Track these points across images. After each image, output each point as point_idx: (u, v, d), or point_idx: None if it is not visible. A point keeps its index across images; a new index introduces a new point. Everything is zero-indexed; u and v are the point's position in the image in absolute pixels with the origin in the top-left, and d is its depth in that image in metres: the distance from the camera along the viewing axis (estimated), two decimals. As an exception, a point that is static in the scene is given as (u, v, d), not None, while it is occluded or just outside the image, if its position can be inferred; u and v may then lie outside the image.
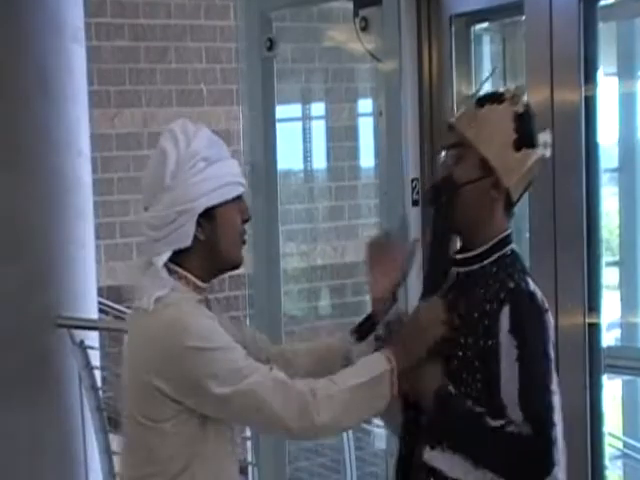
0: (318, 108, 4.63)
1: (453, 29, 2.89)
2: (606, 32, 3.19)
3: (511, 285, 1.70)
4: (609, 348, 2.87)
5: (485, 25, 3.20)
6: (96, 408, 3.74)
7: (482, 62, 3.43)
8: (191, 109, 6.93)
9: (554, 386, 1.69)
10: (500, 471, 1.68)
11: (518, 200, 1.77)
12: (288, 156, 4.49)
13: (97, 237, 5.19)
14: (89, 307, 3.95)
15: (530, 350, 1.68)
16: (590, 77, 2.59)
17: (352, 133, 4.52)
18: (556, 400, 1.68)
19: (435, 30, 2.91)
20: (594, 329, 2.55)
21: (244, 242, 1.78)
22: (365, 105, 4.53)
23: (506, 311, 1.68)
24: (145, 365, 1.71)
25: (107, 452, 3.73)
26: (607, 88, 3.28)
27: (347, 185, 5.02)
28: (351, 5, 3.07)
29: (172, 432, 1.69)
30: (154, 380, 1.68)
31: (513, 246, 1.78)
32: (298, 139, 4.68)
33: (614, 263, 4.36)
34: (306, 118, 4.78)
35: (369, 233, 3.44)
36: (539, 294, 1.72)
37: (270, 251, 3.36)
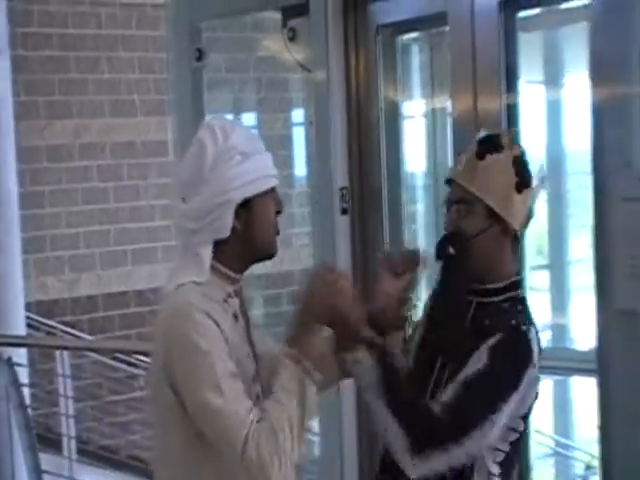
0: (251, 118, 4.64)
1: (380, 39, 2.94)
2: (532, 41, 3.29)
3: (512, 322, 1.75)
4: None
5: (414, 35, 3.27)
6: (24, 426, 3.66)
7: (410, 71, 3.50)
8: (124, 120, 6.87)
9: (497, 419, 1.69)
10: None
11: (522, 237, 1.84)
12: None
13: (26, 251, 5.09)
14: (17, 323, 3.86)
15: (493, 377, 1.70)
16: (512, 85, 2.67)
17: (286, 142, 4.55)
18: (488, 428, 1.69)
19: (362, 40, 2.95)
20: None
21: (278, 232, 1.82)
22: (299, 115, 4.56)
23: (498, 336, 1.72)
24: (155, 348, 1.75)
25: (36, 471, 3.65)
26: (533, 95, 3.37)
27: (281, 194, 5.03)
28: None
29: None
30: (162, 367, 1.72)
31: (523, 293, 1.83)
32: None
33: (544, 266, 4.48)
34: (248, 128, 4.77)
35: (302, 242, 3.47)
36: (534, 345, 1.74)
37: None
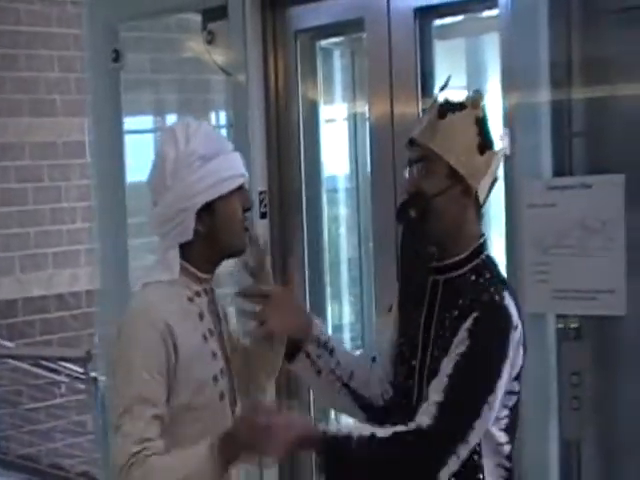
0: (173, 120, 4.59)
1: (298, 44, 2.95)
2: (456, 48, 3.35)
3: (485, 298, 1.69)
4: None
5: (335, 40, 3.29)
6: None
7: (332, 76, 3.52)
8: (44, 119, 6.70)
9: (492, 399, 1.65)
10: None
11: (485, 202, 1.77)
12: (144, 168, 4.39)
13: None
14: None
15: (479, 356, 1.66)
16: (427, 91, 2.71)
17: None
18: (486, 412, 1.64)
19: (281, 44, 2.95)
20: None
21: (246, 229, 1.86)
22: (220, 117, 4.54)
23: (473, 315, 1.67)
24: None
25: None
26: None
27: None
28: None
29: None
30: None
31: (488, 252, 1.78)
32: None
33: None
34: (161, 130, 4.72)
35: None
36: (512, 309, 1.69)
37: (118, 266, 3.29)
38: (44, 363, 5.76)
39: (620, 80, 2.32)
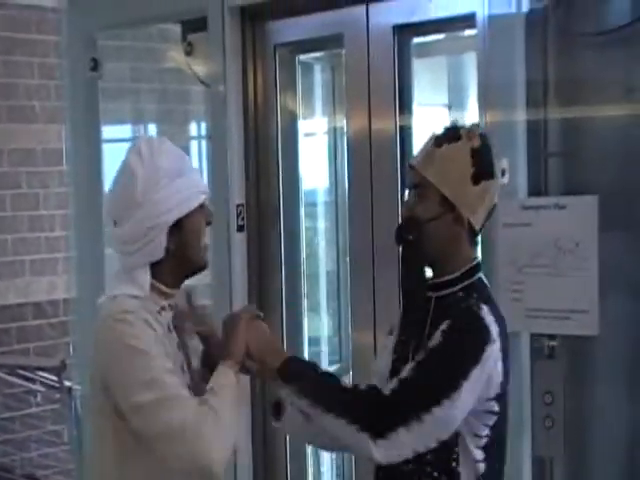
0: (151, 130, 4.58)
1: (277, 57, 2.95)
2: (438, 66, 3.37)
3: (462, 305, 1.76)
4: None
5: (316, 55, 3.30)
6: None
7: (311, 90, 3.53)
8: (23, 126, 6.65)
9: (456, 397, 1.68)
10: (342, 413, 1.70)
11: (482, 228, 1.83)
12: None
13: None
14: None
15: (448, 353, 1.71)
16: (405, 107, 2.72)
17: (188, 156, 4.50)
18: (446, 405, 1.68)
19: (260, 58, 2.96)
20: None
21: (207, 245, 1.89)
22: (200, 128, 4.53)
23: (449, 321, 1.73)
24: (93, 356, 1.80)
25: None
26: (441, 118, 3.45)
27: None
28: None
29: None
30: (96, 373, 1.78)
31: (481, 275, 1.83)
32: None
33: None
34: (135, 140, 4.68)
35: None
36: (489, 321, 1.73)
37: (94, 275, 3.27)
38: (20, 372, 5.70)
39: (596, 101, 2.33)
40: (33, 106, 6.68)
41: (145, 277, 1.80)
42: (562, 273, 2.28)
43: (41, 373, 5.36)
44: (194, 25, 3.01)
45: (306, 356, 3.15)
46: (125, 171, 1.81)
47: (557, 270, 2.29)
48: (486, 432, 1.76)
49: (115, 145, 3.50)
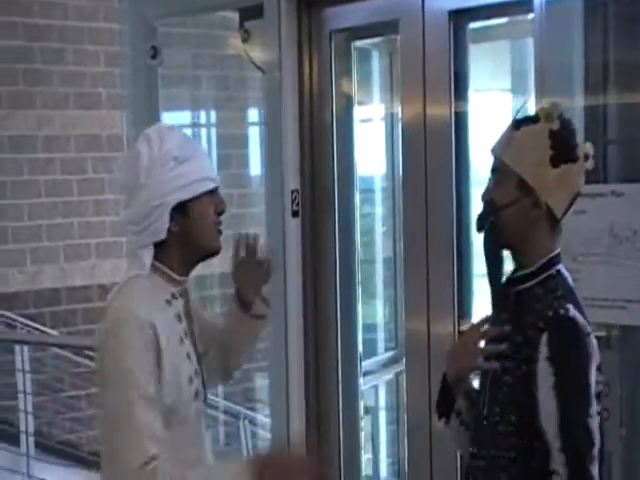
0: (212, 115, 4.63)
1: (333, 44, 2.95)
2: (501, 50, 3.32)
3: (550, 314, 1.69)
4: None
5: (374, 40, 3.29)
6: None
7: (370, 76, 3.52)
8: (89, 112, 6.81)
9: (592, 410, 1.66)
10: None
11: (564, 215, 1.75)
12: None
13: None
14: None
15: (568, 379, 1.66)
16: (461, 94, 2.69)
17: (242, 142, 4.54)
18: (594, 424, 1.66)
19: (316, 44, 2.96)
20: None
21: (220, 232, 1.89)
22: (256, 114, 4.57)
23: (544, 339, 1.67)
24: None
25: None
26: (502, 104, 3.40)
27: (237, 193, 5.04)
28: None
29: None
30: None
31: (560, 267, 1.77)
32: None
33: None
34: (204, 125, 4.76)
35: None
36: (579, 318, 1.69)
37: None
38: (86, 352, 5.86)
39: (656, 86, 2.27)
40: (99, 93, 6.85)
41: (148, 256, 1.82)
42: (618, 262, 2.24)
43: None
44: (251, 12, 3.03)
45: (360, 343, 3.16)
46: (133, 154, 1.85)
47: (613, 259, 2.24)
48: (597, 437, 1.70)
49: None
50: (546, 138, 1.71)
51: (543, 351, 1.67)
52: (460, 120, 2.70)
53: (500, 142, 1.77)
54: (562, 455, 1.65)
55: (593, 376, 1.68)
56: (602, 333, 2.33)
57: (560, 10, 2.32)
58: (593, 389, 1.67)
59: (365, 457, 3.40)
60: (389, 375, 3.69)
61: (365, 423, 3.40)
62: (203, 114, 4.48)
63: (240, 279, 2.02)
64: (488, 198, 1.77)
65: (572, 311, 1.69)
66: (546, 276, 1.75)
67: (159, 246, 1.84)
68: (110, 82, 6.80)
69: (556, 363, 1.66)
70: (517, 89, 3.65)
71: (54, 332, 6.56)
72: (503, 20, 2.80)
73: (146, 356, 1.75)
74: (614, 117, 2.33)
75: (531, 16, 2.42)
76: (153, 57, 3.12)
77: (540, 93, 2.39)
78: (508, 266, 1.83)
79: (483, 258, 1.82)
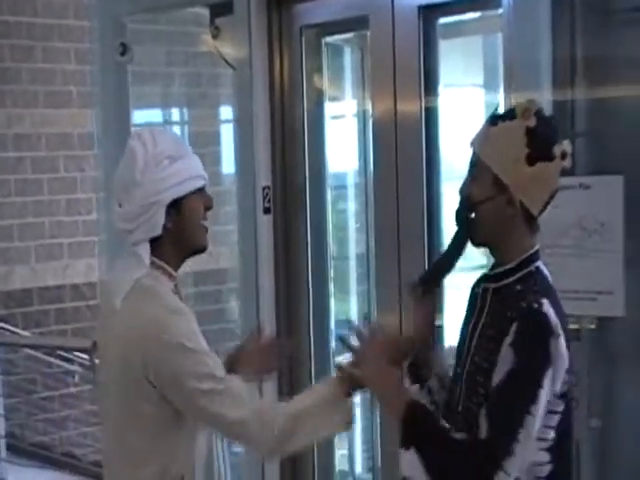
0: (183, 113, 4.61)
1: (303, 40, 2.95)
2: (473, 45, 3.33)
3: (523, 305, 1.68)
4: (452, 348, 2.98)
5: (346, 36, 3.29)
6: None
7: (342, 72, 3.52)
8: (60, 110, 6.75)
9: (534, 409, 1.63)
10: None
11: (541, 213, 1.74)
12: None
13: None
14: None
15: (522, 369, 1.64)
16: (431, 89, 2.71)
17: (215, 139, 4.52)
18: (530, 422, 1.63)
19: (286, 40, 2.96)
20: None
21: (206, 228, 1.96)
22: (228, 111, 4.55)
23: (514, 328, 1.66)
24: (130, 352, 1.85)
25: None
26: (473, 99, 3.42)
27: (211, 192, 5.01)
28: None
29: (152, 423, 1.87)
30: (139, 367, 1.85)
31: (539, 263, 1.76)
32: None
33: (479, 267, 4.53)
34: (177, 123, 4.73)
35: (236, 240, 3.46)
36: (552, 316, 1.67)
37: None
38: (59, 352, 5.81)
39: (623, 81, 2.30)
40: (70, 91, 6.78)
41: (146, 251, 1.88)
42: (587, 254, 2.26)
43: (78, 354, 5.46)
44: (221, 9, 3.02)
45: (332, 339, 3.17)
46: (128, 154, 1.90)
47: (582, 251, 2.27)
48: (551, 435, 1.69)
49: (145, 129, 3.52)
50: (522, 135, 1.69)
51: (509, 337, 1.66)
52: (431, 115, 2.72)
53: (478, 137, 1.76)
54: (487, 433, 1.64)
55: (548, 380, 1.65)
56: (575, 326, 2.35)
57: (528, 5, 2.34)
58: (545, 392, 1.65)
59: (340, 452, 3.41)
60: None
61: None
62: (175, 112, 4.46)
63: (244, 362, 2.08)
64: (465, 193, 1.77)
65: (546, 307, 1.68)
66: (525, 273, 1.74)
67: (154, 243, 1.89)
68: (81, 80, 6.73)
69: (517, 351, 1.65)
70: (488, 84, 3.67)
71: (26, 333, 6.50)
72: (474, 15, 2.82)
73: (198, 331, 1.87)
74: (582, 111, 2.36)
75: (500, 11, 2.44)
76: (122, 54, 3.11)
77: (509, 87, 2.41)
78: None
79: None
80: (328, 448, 3.17)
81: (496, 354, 1.68)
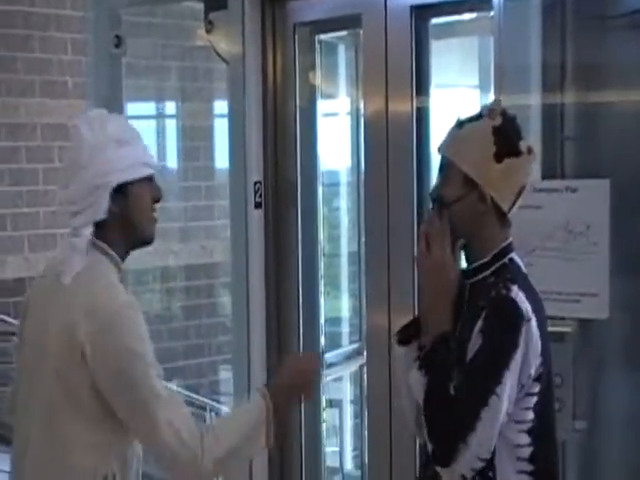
0: (177, 106, 4.61)
1: (297, 37, 2.96)
2: (465, 46, 3.35)
3: (493, 293, 1.74)
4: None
5: (340, 34, 3.30)
6: None
7: (336, 70, 3.53)
8: (55, 101, 6.75)
9: (501, 390, 1.67)
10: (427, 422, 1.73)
11: (511, 208, 1.79)
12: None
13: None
14: None
15: (488, 351, 1.69)
16: (423, 89, 2.72)
17: (208, 133, 4.54)
18: (494, 402, 1.68)
19: (280, 37, 2.96)
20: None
21: (155, 219, 1.94)
22: (222, 106, 4.56)
23: (483, 315, 1.71)
24: (72, 330, 1.79)
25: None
26: (465, 99, 3.44)
27: (211, 185, 5.03)
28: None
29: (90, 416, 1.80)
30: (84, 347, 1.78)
31: (512, 255, 1.81)
32: (162, 137, 4.61)
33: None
34: (172, 117, 4.73)
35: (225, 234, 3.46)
36: (521, 301, 1.71)
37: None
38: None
39: (612, 85, 2.32)
40: (66, 81, 6.78)
41: (88, 234, 1.85)
42: (573, 256, 2.28)
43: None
44: (215, 3, 3.02)
45: (322, 336, 3.18)
46: (75, 136, 1.88)
47: (568, 253, 2.29)
48: (530, 416, 1.73)
49: (140, 121, 3.54)
50: (489, 134, 1.75)
51: (479, 324, 1.71)
52: (422, 115, 2.73)
53: (445, 141, 1.81)
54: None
55: (517, 363, 1.68)
56: (559, 328, 2.37)
57: (519, 8, 2.36)
58: (513, 375, 1.69)
59: (330, 449, 3.42)
60: (353, 367, 3.72)
61: (329, 415, 3.43)
62: (169, 105, 4.46)
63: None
64: (436, 195, 1.81)
65: (514, 292, 1.72)
66: (499, 265, 1.79)
67: (100, 228, 1.86)
68: (77, 71, 6.73)
69: (485, 335, 1.69)
70: (480, 85, 3.69)
71: (16, 322, 6.49)
72: (467, 17, 2.83)
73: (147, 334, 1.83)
74: (571, 114, 2.37)
75: (492, 14, 2.45)
76: (117, 46, 3.11)
77: (499, 90, 2.42)
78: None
79: None
80: (317, 445, 3.18)
81: (468, 341, 1.73)
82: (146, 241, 1.93)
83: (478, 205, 1.76)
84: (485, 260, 1.79)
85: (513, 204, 1.79)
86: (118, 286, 1.85)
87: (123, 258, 1.92)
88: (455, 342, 1.76)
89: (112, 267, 1.88)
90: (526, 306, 1.71)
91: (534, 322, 1.71)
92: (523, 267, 1.82)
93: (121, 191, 1.86)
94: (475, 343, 1.71)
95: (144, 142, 1.94)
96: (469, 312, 1.77)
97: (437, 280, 1.78)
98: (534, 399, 1.74)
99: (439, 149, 1.83)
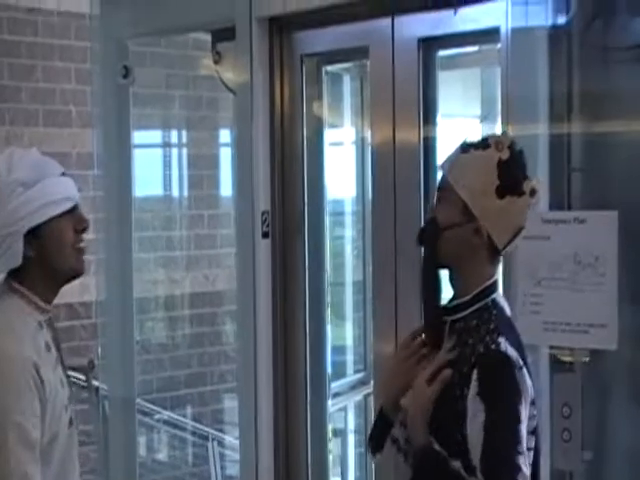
0: (183, 135, 4.64)
1: (304, 68, 2.99)
2: (472, 77, 3.38)
3: (481, 349, 1.67)
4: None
5: (346, 65, 3.33)
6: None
7: (342, 100, 3.55)
8: (59, 130, 6.77)
9: (522, 447, 1.62)
10: None
11: (505, 247, 1.72)
12: (151, 182, 4.44)
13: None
14: None
15: (497, 415, 1.63)
16: (430, 119, 2.74)
17: (214, 162, 4.56)
18: (522, 461, 1.61)
19: (287, 68, 2.99)
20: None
21: (81, 250, 1.89)
22: (228, 135, 4.58)
23: (475, 375, 1.65)
24: None
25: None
26: (471, 129, 3.46)
27: (215, 214, 5.05)
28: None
29: None
30: None
31: (495, 296, 1.75)
32: (168, 165, 4.63)
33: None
34: (176, 145, 4.76)
35: (232, 263, 3.46)
36: (511, 352, 1.66)
37: (123, 278, 3.33)
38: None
39: (619, 116, 2.33)
40: (69, 111, 6.81)
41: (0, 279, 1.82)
42: (581, 287, 2.28)
43: (71, 373, 5.44)
44: (223, 34, 3.06)
45: (329, 365, 3.17)
46: None
47: (576, 284, 2.29)
48: (529, 472, 1.65)
49: (146, 150, 3.56)
50: (494, 167, 1.68)
51: (474, 387, 1.65)
52: (429, 145, 2.74)
53: (449, 161, 1.75)
54: None
55: (525, 412, 1.64)
56: (568, 358, 2.37)
57: (526, 40, 2.38)
58: (525, 426, 1.64)
59: (334, 480, 3.40)
60: (358, 397, 3.70)
61: (334, 445, 3.40)
62: (175, 134, 4.49)
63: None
64: (432, 215, 1.76)
65: (504, 345, 1.66)
66: (481, 306, 1.73)
67: (20, 273, 1.84)
68: (81, 100, 6.76)
69: (486, 399, 1.63)
70: (487, 116, 3.72)
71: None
72: (473, 49, 2.86)
73: (30, 397, 1.75)
74: (578, 146, 2.39)
75: (499, 45, 2.47)
76: (125, 76, 3.13)
77: (506, 120, 2.44)
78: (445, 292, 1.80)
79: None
80: (322, 476, 3.16)
81: (464, 400, 1.66)
82: (73, 275, 1.89)
83: (473, 238, 1.70)
84: (465, 299, 1.73)
85: (508, 243, 1.73)
86: (16, 334, 1.78)
87: (50, 297, 1.88)
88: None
89: (30, 310, 1.84)
90: (515, 355, 1.67)
91: (525, 369, 1.67)
92: (507, 308, 1.77)
93: (35, 234, 1.82)
94: (475, 408, 1.64)
95: (61, 173, 1.88)
96: (450, 352, 1.72)
97: (419, 402, 1.71)
98: (531, 454, 1.69)
99: (442, 167, 1.77)
